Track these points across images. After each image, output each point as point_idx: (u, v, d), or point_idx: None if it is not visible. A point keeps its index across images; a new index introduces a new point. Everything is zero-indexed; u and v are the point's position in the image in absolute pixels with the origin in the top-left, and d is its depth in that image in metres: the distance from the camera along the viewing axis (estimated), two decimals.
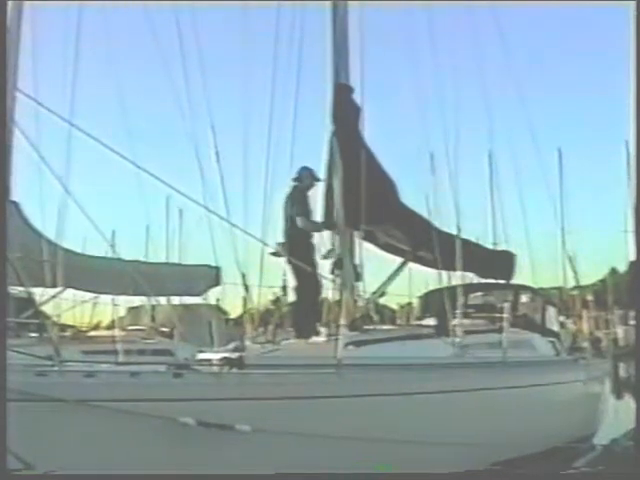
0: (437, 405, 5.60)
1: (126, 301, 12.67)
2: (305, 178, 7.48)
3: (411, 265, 8.29)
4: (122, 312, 13.21)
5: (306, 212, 7.32)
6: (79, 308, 12.22)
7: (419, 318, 8.99)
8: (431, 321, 7.81)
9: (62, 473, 4.00)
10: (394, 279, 7.99)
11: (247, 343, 6.63)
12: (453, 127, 7.69)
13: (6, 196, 4.05)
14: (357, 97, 7.54)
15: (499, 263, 8.88)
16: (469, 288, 8.58)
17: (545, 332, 8.56)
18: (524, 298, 9.43)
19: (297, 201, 7.36)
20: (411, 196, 8.19)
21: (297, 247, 7.05)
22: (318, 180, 7.53)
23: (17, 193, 5.21)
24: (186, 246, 18.23)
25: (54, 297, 8.89)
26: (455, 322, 6.87)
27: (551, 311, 9.33)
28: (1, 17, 3.79)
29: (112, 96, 7.97)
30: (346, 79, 7.58)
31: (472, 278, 9.02)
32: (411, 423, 5.38)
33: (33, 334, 7.63)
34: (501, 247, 11.75)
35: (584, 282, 15.55)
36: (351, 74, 7.60)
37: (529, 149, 10.06)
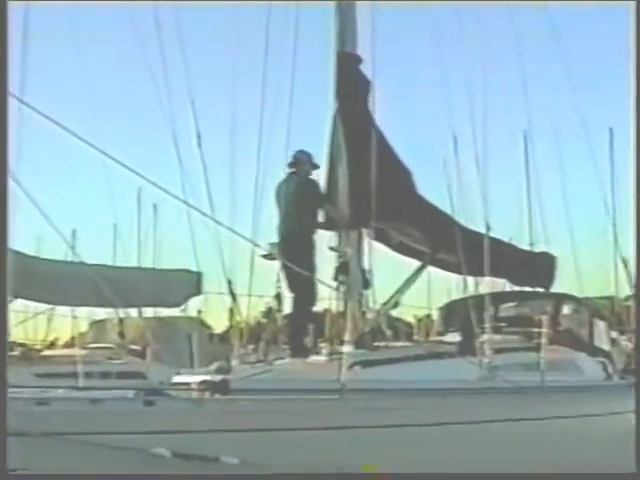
0: (461, 438, 5.62)
1: (89, 313, 12.77)
2: (302, 164, 7.52)
3: (430, 270, 8.31)
4: (84, 327, 13.30)
5: (306, 204, 7.35)
6: (31, 322, 12.29)
7: (440, 333, 9.02)
8: (454, 337, 7.84)
9: (62, 473, 4.12)
10: (410, 287, 8.01)
11: (234, 363, 6.67)
12: (481, 104, 7.69)
13: (6, 196, 4.19)
14: (366, 69, 7.57)
15: (536, 267, 8.89)
16: (500, 297, 8.60)
17: (593, 351, 8.57)
18: (567, 309, 9.42)
19: (294, 192, 7.39)
20: (430, 187, 8.22)
21: (294, 248, 7.09)
22: (317, 167, 7.57)
23: None
24: (161, 247, 18.29)
25: None
26: (483, 338, 6.89)
27: (600, 325, 9.33)
28: (1, 17, 4.10)
29: (71, 67, 8.00)
30: (353, 48, 7.60)
31: (504, 285, 9.02)
32: (429, 459, 5.40)
33: None
34: (539, 248, 11.78)
35: None
36: (359, 42, 7.62)
37: (573, 128, 10.07)
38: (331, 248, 7.38)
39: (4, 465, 3.73)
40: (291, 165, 7.55)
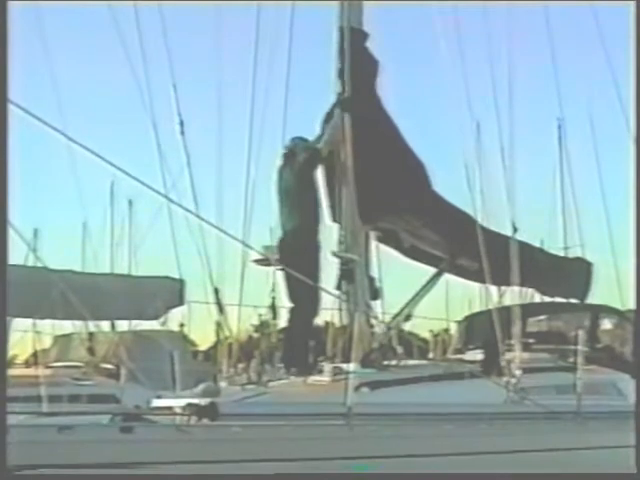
0: (485, 470, 5.63)
1: (53, 327, 12.75)
2: (300, 151, 7.50)
3: (448, 277, 8.33)
4: (47, 342, 13.27)
5: (305, 199, 7.35)
6: None
7: (459, 351, 9.03)
8: (476, 355, 7.86)
9: (62, 473, 4.23)
10: (424, 297, 8.03)
11: (222, 384, 6.67)
12: (506, 86, 7.71)
13: (6, 198, 4.31)
14: (374, 47, 7.58)
15: (571, 275, 8.92)
16: (529, 310, 8.62)
17: (637, 371, 8.59)
18: (607, 324, 9.45)
19: (291, 186, 7.39)
20: (447, 182, 8.23)
21: (292, 251, 7.09)
22: (316, 155, 7.51)
23: None
24: (138, 250, 18.23)
25: None
26: (510, 357, 6.90)
27: None
28: (1, 17, 4.40)
29: (36, 45, 8.00)
30: (358, 23, 7.61)
31: (532, 296, 9.03)
32: None
33: None
34: (574, 253, 11.79)
35: None
36: (365, 17, 7.64)
37: (612, 115, 10.06)
38: (334, 253, 7.39)
39: (4, 465, 3.93)
40: (287, 153, 7.53)
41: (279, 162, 7.59)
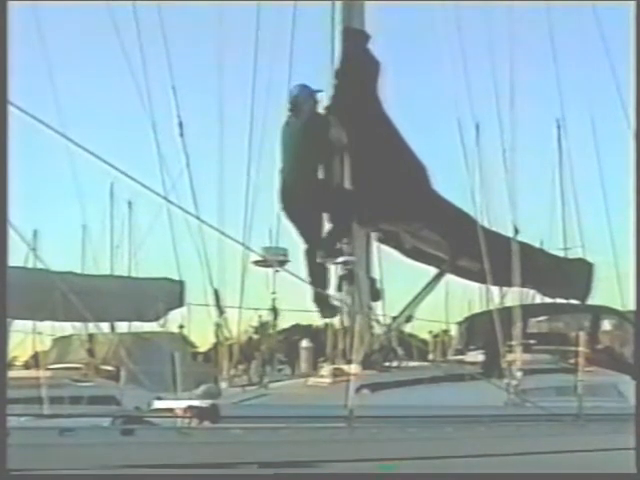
0: (486, 472, 5.65)
1: (53, 328, 12.75)
2: (303, 103, 7.37)
3: (449, 278, 8.34)
4: (47, 344, 13.28)
5: (311, 153, 7.28)
6: None
7: (460, 352, 9.05)
8: (477, 356, 7.88)
9: (62, 473, 4.28)
10: (425, 298, 8.04)
11: (223, 386, 6.69)
12: (507, 87, 7.72)
13: (6, 198, 4.36)
14: (375, 48, 7.58)
15: (571, 276, 8.92)
16: (530, 311, 8.63)
17: (638, 373, 8.60)
18: (607, 325, 9.46)
19: (296, 140, 7.29)
20: (448, 183, 8.24)
21: (297, 206, 7.11)
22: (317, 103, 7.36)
23: None
24: (137, 252, 18.29)
25: None
26: (510, 358, 6.91)
27: None
28: (1, 17, 4.47)
29: (35, 47, 8.01)
30: (360, 24, 7.62)
31: (533, 297, 9.04)
32: None
33: None
34: (574, 254, 11.79)
35: None
36: (367, 18, 7.64)
37: (614, 115, 10.07)
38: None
39: (4, 465, 3.97)
40: (290, 108, 7.41)
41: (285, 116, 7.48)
